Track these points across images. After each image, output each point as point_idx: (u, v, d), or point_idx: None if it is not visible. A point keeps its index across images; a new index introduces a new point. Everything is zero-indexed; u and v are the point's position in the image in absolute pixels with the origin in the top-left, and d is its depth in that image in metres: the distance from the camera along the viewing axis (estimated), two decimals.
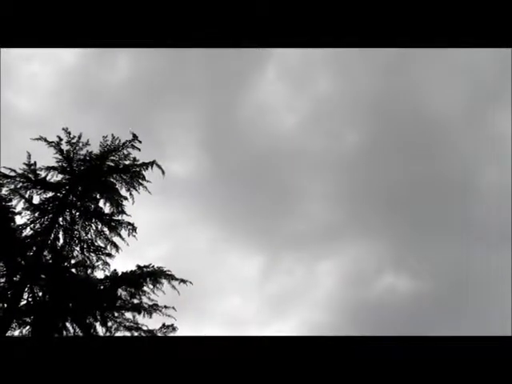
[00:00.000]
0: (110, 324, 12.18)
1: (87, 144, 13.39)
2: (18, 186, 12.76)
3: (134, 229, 13.30)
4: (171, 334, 12.04)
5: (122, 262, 13.19)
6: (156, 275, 12.58)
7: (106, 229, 13.17)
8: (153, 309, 12.35)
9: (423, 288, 34.68)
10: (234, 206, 36.66)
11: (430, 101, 38.96)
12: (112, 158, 13.53)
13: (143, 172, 13.61)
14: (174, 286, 12.58)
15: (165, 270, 12.71)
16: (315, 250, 37.17)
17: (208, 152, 38.28)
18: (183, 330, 12.22)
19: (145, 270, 12.60)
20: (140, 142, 13.50)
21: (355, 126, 40.63)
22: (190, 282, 12.68)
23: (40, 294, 12.03)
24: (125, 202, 13.41)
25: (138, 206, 13.70)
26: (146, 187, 13.68)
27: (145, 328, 12.19)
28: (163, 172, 13.64)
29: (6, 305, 11.44)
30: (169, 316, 12.23)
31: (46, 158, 13.25)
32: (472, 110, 39.59)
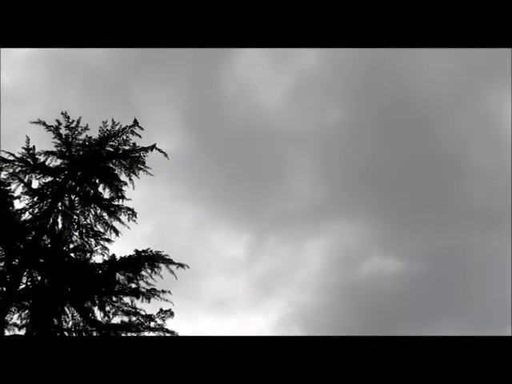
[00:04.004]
0: (108, 308, 12.27)
1: (86, 129, 13.29)
2: (17, 171, 12.74)
3: (134, 214, 13.29)
4: (169, 320, 12.15)
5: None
6: (154, 260, 12.63)
7: (105, 214, 13.17)
8: (151, 293, 12.43)
9: (412, 270, 34.76)
10: (219, 184, 36.43)
11: (421, 79, 38.45)
12: (111, 143, 13.45)
13: (143, 157, 13.52)
14: (171, 271, 12.65)
15: (163, 254, 12.76)
16: (302, 229, 37.14)
17: (191, 128, 37.76)
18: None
19: (143, 254, 12.64)
20: (142, 128, 13.39)
21: (344, 103, 40.03)
22: (188, 267, 12.75)
23: (39, 278, 12.10)
24: (125, 188, 13.38)
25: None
26: (146, 171, 13.60)
27: (143, 313, 12.31)
28: (165, 155, 13.46)
29: (4, 289, 11.50)
30: (166, 301, 12.34)
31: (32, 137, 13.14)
32: (466, 89, 39.22)
